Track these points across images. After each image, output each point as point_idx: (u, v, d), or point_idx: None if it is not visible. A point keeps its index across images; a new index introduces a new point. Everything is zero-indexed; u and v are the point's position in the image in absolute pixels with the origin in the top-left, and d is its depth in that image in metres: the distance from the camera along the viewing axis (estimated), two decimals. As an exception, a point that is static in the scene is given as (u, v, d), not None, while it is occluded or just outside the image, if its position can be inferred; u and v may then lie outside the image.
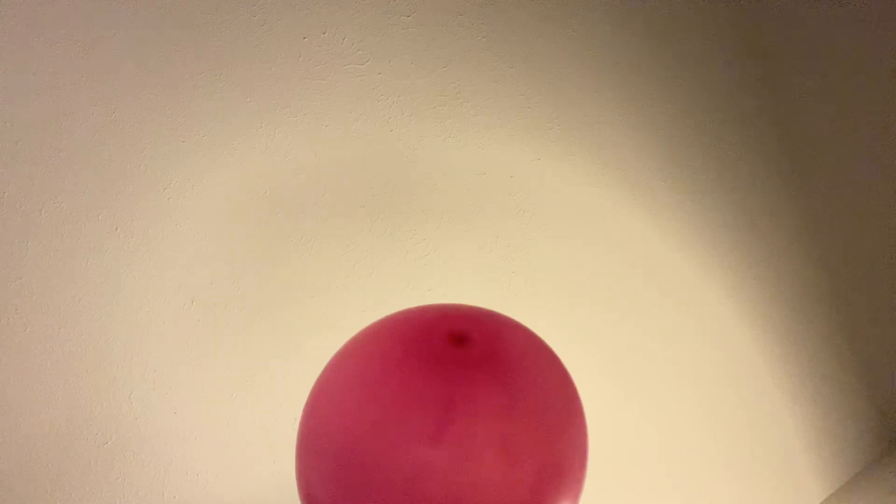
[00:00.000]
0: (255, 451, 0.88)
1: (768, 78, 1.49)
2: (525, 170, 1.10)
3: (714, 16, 1.38)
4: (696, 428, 1.36)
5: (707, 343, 1.38)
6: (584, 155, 1.17)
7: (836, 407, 1.67)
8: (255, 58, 0.86)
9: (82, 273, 0.77)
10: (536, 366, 0.50)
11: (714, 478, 1.39)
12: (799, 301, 1.57)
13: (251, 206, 0.87)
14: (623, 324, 1.25)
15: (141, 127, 0.79)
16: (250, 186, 0.87)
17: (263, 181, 0.87)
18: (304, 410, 0.53)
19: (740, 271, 1.43)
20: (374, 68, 0.95)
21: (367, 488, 0.44)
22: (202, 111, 0.83)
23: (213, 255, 0.84)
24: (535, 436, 0.46)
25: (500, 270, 1.09)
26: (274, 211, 0.88)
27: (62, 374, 0.76)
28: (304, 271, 0.91)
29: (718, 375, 1.40)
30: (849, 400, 1.71)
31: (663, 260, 1.29)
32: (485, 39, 1.05)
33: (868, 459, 1.77)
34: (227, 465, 0.86)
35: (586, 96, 1.17)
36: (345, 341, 0.56)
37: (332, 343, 0.66)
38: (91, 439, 0.78)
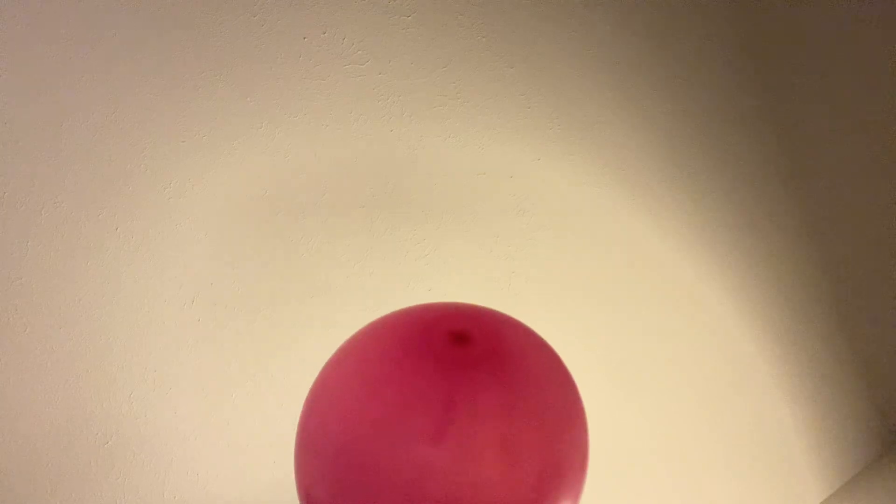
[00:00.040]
0: (256, 450, 0.88)
1: (768, 78, 1.49)
2: (525, 170, 1.10)
3: (714, 16, 1.38)
4: (696, 428, 1.36)
5: (707, 343, 1.38)
6: (584, 155, 1.17)
7: (836, 407, 1.67)
8: (255, 58, 0.86)
9: (82, 273, 0.77)
10: (537, 365, 0.50)
11: (714, 478, 1.39)
12: (799, 301, 1.57)
13: (251, 206, 0.87)
14: (623, 323, 1.24)
15: (141, 127, 0.79)
16: (250, 186, 0.87)
17: (263, 181, 0.87)
18: (303, 410, 0.53)
19: (740, 271, 1.43)
20: (374, 68, 0.95)
21: (366, 488, 0.44)
22: (202, 111, 0.83)
23: (213, 255, 0.84)
24: (535, 436, 0.46)
25: (500, 270, 1.09)
26: (274, 211, 0.88)
27: (62, 374, 0.76)
28: (303, 271, 0.91)
29: (719, 375, 1.40)
30: (849, 400, 1.71)
31: (663, 260, 1.29)
32: (485, 39, 1.05)
33: (868, 459, 1.77)
34: (227, 465, 0.86)
35: (586, 96, 1.17)
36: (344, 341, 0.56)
37: (332, 343, 0.66)
38: (91, 439, 0.78)
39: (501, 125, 1.07)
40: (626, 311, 1.25)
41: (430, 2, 0.99)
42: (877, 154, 1.77)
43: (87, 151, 0.76)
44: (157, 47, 0.80)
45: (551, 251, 1.14)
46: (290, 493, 0.88)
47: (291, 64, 0.88)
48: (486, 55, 1.05)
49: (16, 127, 0.73)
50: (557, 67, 1.13)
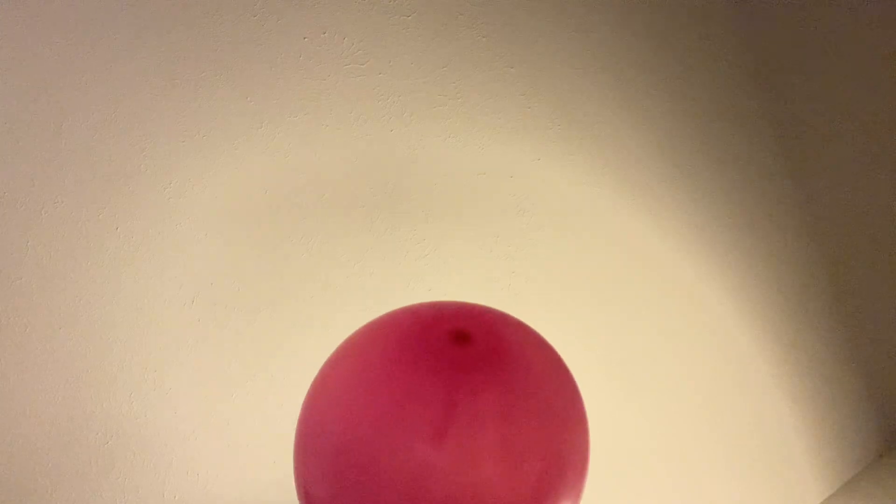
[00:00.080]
0: (256, 450, 0.88)
1: (768, 78, 1.49)
2: (525, 170, 1.10)
3: (714, 16, 1.38)
4: (696, 428, 1.36)
5: (707, 343, 1.38)
6: (584, 155, 1.17)
7: (836, 407, 1.67)
8: (255, 58, 0.86)
9: (82, 273, 0.77)
10: (538, 364, 0.50)
11: (714, 478, 1.39)
12: (799, 300, 1.57)
13: (251, 206, 0.87)
14: (623, 323, 1.25)
15: (141, 127, 0.79)
16: (250, 186, 0.87)
17: (263, 181, 0.87)
18: (302, 409, 0.53)
19: (740, 271, 1.43)
20: (374, 68, 0.95)
21: (366, 488, 0.44)
22: (202, 111, 0.83)
23: (213, 254, 0.84)
24: (536, 436, 0.45)
25: (500, 270, 1.09)
26: (274, 211, 0.88)
27: (62, 374, 0.76)
28: (303, 271, 0.91)
29: (719, 375, 1.40)
30: (849, 400, 1.71)
31: (663, 260, 1.29)
32: (485, 39, 1.05)
33: (868, 459, 1.77)
34: (227, 465, 0.86)
35: (586, 96, 1.17)
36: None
37: (332, 343, 0.66)
38: (91, 439, 0.78)
39: (501, 125, 1.07)
40: (626, 311, 1.25)
41: (430, 2, 0.99)
42: (877, 154, 1.77)
43: (87, 151, 0.76)
44: (158, 47, 0.80)
45: (551, 251, 1.14)
46: (290, 493, 0.88)
47: (291, 64, 0.88)
48: (486, 55, 1.05)
49: (16, 127, 0.73)
50: (557, 67, 1.13)
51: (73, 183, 0.76)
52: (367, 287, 0.95)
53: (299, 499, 0.53)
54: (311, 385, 0.53)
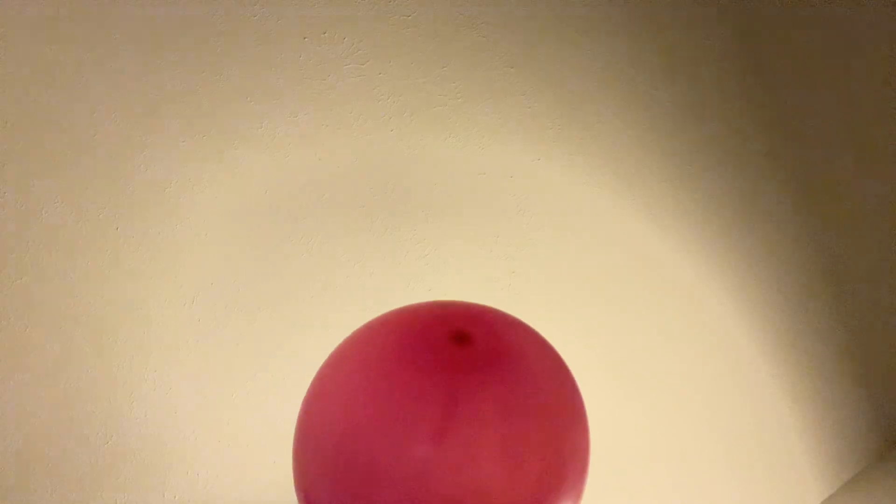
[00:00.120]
0: (256, 450, 0.88)
1: (770, 78, 1.49)
2: (525, 170, 1.10)
3: (715, 15, 1.38)
4: (696, 427, 1.36)
5: (707, 342, 1.38)
6: (584, 155, 1.17)
7: (836, 407, 1.67)
8: (255, 58, 0.86)
9: (82, 273, 0.77)
10: (539, 365, 0.49)
11: (714, 478, 1.39)
12: (799, 300, 1.57)
13: (251, 206, 0.87)
14: (623, 323, 1.24)
15: (141, 126, 0.79)
16: (250, 186, 0.87)
17: (263, 181, 0.87)
18: (301, 409, 0.53)
19: (740, 271, 1.43)
20: (374, 68, 0.95)
21: (366, 489, 0.44)
22: (202, 111, 0.83)
23: (213, 255, 0.84)
24: (538, 437, 0.45)
25: (500, 270, 1.09)
26: (274, 211, 0.88)
27: (62, 374, 0.76)
28: (304, 271, 0.91)
29: (719, 375, 1.40)
30: (849, 400, 1.71)
31: (663, 259, 1.29)
32: (485, 39, 1.05)
33: (868, 459, 1.77)
34: (227, 465, 0.86)
35: (587, 96, 1.17)
36: (345, 341, 0.56)
37: (332, 343, 0.66)
38: (91, 439, 0.78)
39: (501, 125, 1.07)
40: (625, 311, 1.25)
41: (430, 2, 0.99)
42: (878, 153, 1.77)
43: (87, 151, 0.76)
44: (157, 47, 0.80)
45: (551, 251, 1.14)
46: (290, 493, 0.88)
47: (291, 64, 0.88)
48: (486, 55, 1.05)
49: (16, 127, 0.73)
50: (557, 67, 1.13)
51: (73, 183, 0.76)
52: (367, 287, 0.95)
53: (298, 500, 0.53)
54: (311, 385, 0.53)
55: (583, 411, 0.52)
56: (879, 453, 1.81)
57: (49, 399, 0.75)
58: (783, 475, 1.52)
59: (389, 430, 0.44)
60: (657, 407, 1.29)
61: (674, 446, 1.32)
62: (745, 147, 1.45)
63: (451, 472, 0.42)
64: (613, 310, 1.23)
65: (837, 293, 1.67)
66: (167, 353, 0.82)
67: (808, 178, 1.59)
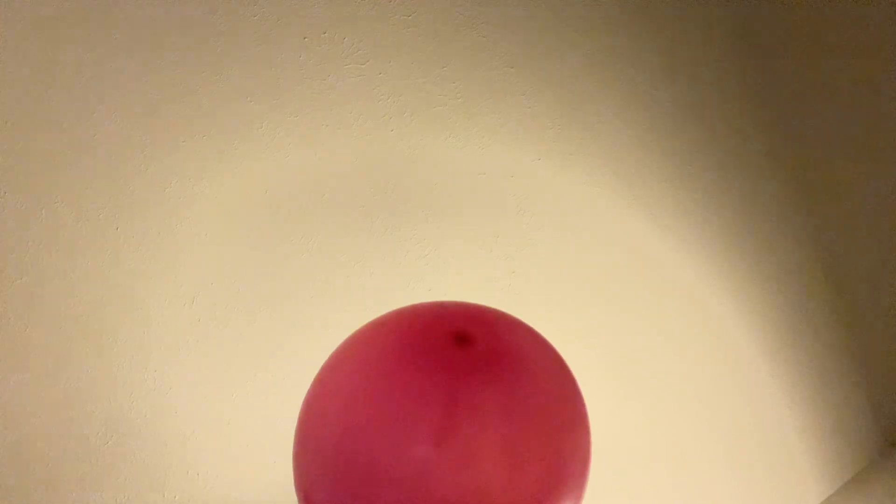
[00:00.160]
0: (256, 450, 0.88)
1: (770, 77, 1.49)
2: (525, 170, 1.10)
3: (717, 14, 1.38)
4: (696, 427, 1.36)
5: (708, 343, 1.38)
6: (584, 155, 1.17)
7: (836, 407, 1.67)
8: (255, 57, 0.86)
9: (82, 273, 0.77)
10: (540, 365, 0.49)
11: (714, 478, 1.39)
12: (799, 300, 1.57)
13: (251, 206, 0.87)
14: (623, 323, 1.24)
15: (141, 127, 0.79)
16: (250, 186, 0.87)
17: (263, 181, 0.87)
18: (301, 410, 0.53)
19: (740, 271, 1.43)
20: (374, 68, 0.95)
21: (366, 490, 0.44)
22: (202, 111, 0.83)
23: (213, 254, 0.84)
24: (539, 438, 0.45)
25: (501, 270, 1.08)
26: (274, 210, 0.88)
27: (62, 374, 0.76)
28: (304, 271, 0.91)
29: (719, 375, 1.40)
30: (849, 400, 1.71)
31: (663, 259, 1.29)
32: (485, 39, 1.05)
33: (868, 459, 1.77)
34: (227, 465, 0.86)
35: (587, 96, 1.17)
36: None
37: (332, 343, 0.66)
38: (91, 439, 0.78)
39: (501, 125, 1.07)
40: (625, 311, 1.25)
41: (430, 2, 0.99)
42: (878, 153, 1.77)
43: (88, 151, 0.76)
44: (157, 47, 0.80)
45: (551, 251, 1.14)
46: (290, 493, 0.88)
47: (291, 64, 0.88)
48: (486, 55, 1.05)
49: (16, 127, 0.73)
50: (557, 67, 1.13)
51: (73, 183, 0.76)
52: (367, 287, 0.95)
53: (299, 501, 0.53)
54: (311, 386, 0.53)
55: (584, 412, 0.52)
56: (879, 453, 1.81)
57: (49, 399, 0.75)
58: (783, 475, 1.52)
59: (390, 431, 0.43)
60: (657, 407, 1.29)
61: (674, 446, 1.32)
62: (745, 147, 1.45)
63: (451, 473, 0.42)
64: (613, 310, 1.23)
65: (837, 293, 1.67)
66: (167, 353, 0.82)
67: (808, 178, 1.59)
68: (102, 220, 0.78)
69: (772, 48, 1.50)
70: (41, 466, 0.75)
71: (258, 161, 0.87)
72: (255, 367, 0.87)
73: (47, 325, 0.75)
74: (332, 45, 0.91)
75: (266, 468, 0.88)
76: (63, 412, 0.76)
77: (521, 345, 0.50)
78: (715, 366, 1.39)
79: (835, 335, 1.67)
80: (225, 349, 0.85)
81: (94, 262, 0.77)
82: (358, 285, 0.95)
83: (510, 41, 1.07)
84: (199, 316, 0.84)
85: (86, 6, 0.75)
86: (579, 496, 0.50)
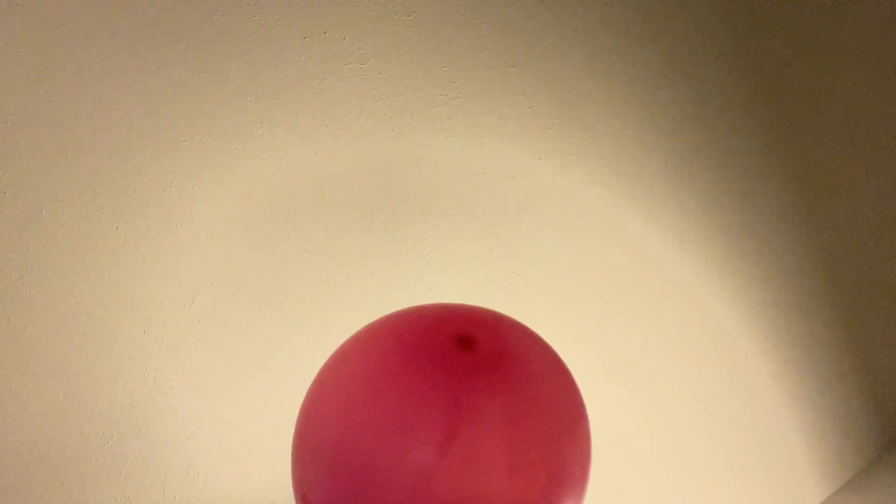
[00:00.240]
0: (256, 450, 0.88)
1: (771, 78, 1.49)
2: (525, 170, 1.10)
3: (716, 15, 1.38)
4: (695, 427, 1.36)
5: (708, 343, 1.38)
6: (584, 155, 1.17)
7: (836, 407, 1.67)
8: (255, 58, 0.86)
9: (82, 273, 0.77)
10: (541, 369, 0.49)
11: (714, 478, 1.39)
12: (799, 300, 1.57)
13: (251, 206, 0.87)
14: (623, 323, 1.24)
15: (141, 126, 0.79)
16: (250, 186, 0.87)
17: (264, 181, 0.87)
18: (300, 413, 0.53)
19: (740, 271, 1.43)
20: (374, 68, 0.95)
21: (365, 493, 0.44)
22: (202, 111, 0.83)
23: (213, 254, 0.84)
24: (541, 441, 0.45)
25: (501, 270, 1.08)
26: (274, 210, 0.88)
27: (62, 374, 0.76)
28: (304, 271, 0.91)
29: (719, 375, 1.40)
30: (849, 400, 1.71)
31: (664, 260, 1.29)
32: (485, 39, 1.05)
33: (868, 459, 1.77)
34: (227, 465, 0.86)
35: (587, 96, 1.17)
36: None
37: (332, 343, 0.66)
38: (91, 439, 0.78)
39: (501, 125, 1.07)
40: (625, 311, 1.25)
41: (430, 2, 0.99)
42: (878, 153, 1.77)
43: (87, 151, 0.76)
44: (157, 47, 0.80)
45: (551, 251, 1.14)
46: (291, 493, 0.88)
47: (291, 64, 0.88)
48: (486, 55, 1.05)
49: (16, 127, 0.73)
50: (558, 67, 1.13)
51: (73, 183, 0.76)
52: (367, 287, 0.95)
53: (297, 503, 0.53)
54: (310, 388, 0.53)
55: (584, 413, 0.52)
56: (879, 453, 1.81)
57: (49, 399, 0.75)
58: (783, 475, 1.52)
59: (390, 433, 0.43)
60: (657, 407, 1.29)
61: (674, 447, 1.32)
62: (745, 147, 1.45)
63: (453, 476, 0.42)
64: (613, 310, 1.23)
65: (837, 293, 1.67)
66: (167, 353, 0.82)
67: (808, 178, 1.59)
68: (102, 220, 0.78)
69: (772, 48, 1.50)
70: (41, 466, 0.75)
71: (258, 161, 0.87)
72: (255, 367, 0.87)
73: (47, 325, 0.75)
74: (332, 45, 0.91)
75: (266, 468, 0.88)
76: (63, 412, 0.76)
77: (522, 347, 0.50)
78: (715, 366, 1.39)
79: (835, 335, 1.67)
80: (225, 349, 0.85)
81: (94, 262, 0.77)
82: (358, 285, 0.95)
83: (510, 41, 1.07)
84: (199, 316, 0.84)
85: (86, 6, 0.75)
86: (580, 498, 0.50)
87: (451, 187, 1.03)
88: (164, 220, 0.81)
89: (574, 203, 1.16)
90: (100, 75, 0.76)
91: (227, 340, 0.86)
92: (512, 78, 1.08)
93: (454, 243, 1.03)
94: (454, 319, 0.50)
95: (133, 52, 0.78)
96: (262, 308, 0.88)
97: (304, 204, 0.90)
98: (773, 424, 1.50)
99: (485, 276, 1.07)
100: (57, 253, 0.75)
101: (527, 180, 1.10)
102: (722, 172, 1.40)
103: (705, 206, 1.36)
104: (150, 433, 0.81)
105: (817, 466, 1.60)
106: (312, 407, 0.51)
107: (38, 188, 0.74)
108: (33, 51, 0.73)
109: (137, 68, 0.79)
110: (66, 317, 0.76)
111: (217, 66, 0.83)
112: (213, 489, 0.85)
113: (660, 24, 1.27)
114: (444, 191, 1.02)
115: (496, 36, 1.06)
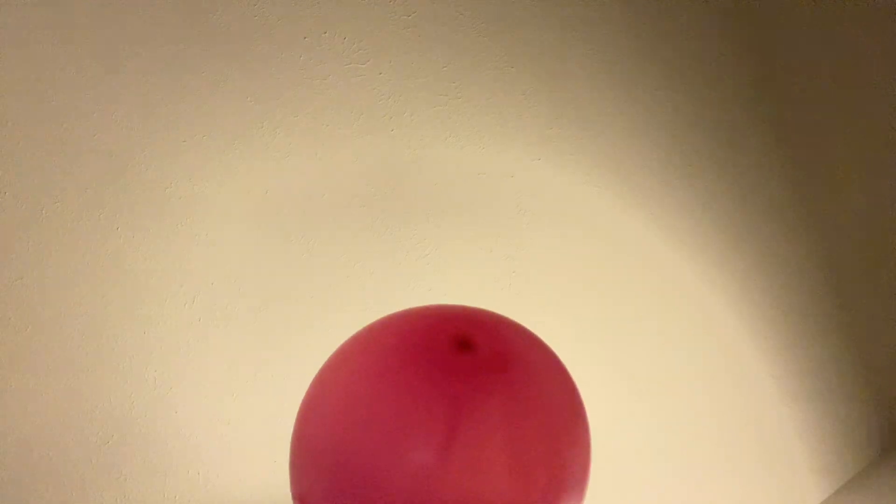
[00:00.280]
0: (256, 450, 0.88)
1: (771, 78, 1.49)
2: (525, 170, 1.10)
3: (718, 19, 1.37)
4: (695, 427, 1.36)
5: (708, 343, 1.38)
6: (584, 155, 1.17)
7: (836, 407, 1.67)
8: (255, 58, 0.86)
9: (82, 273, 0.77)
10: (541, 371, 0.49)
11: (714, 478, 1.39)
12: (799, 301, 1.57)
13: (251, 206, 0.87)
14: (623, 323, 1.24)
15: (141, 127, 0.79)
16: (250, 186, 0.87)
17: (263, 181, 0.87)
18: (298, 415, 0.53)
19: (741, 272, 1.43)
20: (374, 68, 0.95)
21: (364, 495, 0.44)
22: (202, 111, 0.83)
23: (213, 254, 0.84)
24: (541, 442, 0.45)
25: (501, 270, 1.08)
26: (274, 211, 0.88)
27: (62, 374, 0.76)
28: (304, 271, 0.91)
29: (719, 375, 1.40)
30: (849, 400, 1.71)
31: (664, 260, 1.29)
32: (485, 39, 1.05)
33: (868, 459, 1.77)
34: (227, 465, 0.86)
35: (587, 96, 1.17)
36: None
37: (332, 343, 0.66)
38: (91, 439, 0.78)
39: (501, 125, 1.07)
40: (626, 311, 1.24)
41: (430, 2, 0.99)
42: (878, 154, 1.77)
43: (88, 151, 0.76)
44: (157, 47, 0.80)
45: (552, 251, 1.14)
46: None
47: (291, 64, 0.88)
48: (486, 55, 1.05)
49: (16, 127, 0.73)
50: (558, 67, 1.13)
51: (74, 183, 0.76)
52: (367, 287, 0.95)
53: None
54: (308, 390, 0.53)
55: (584, 414, 0.52)
56: (879, 453, 1.81)
57: (49, 399, 0.75)
58: (783, 475, 1.52)
59: (390, 434, 0.43)
60: (657, 407, 1.29)
61: (674, 446, 1.32)
62: (745, 147, 1.45)
63: (453, 479, 0.42)
64: (613, 310, 1.23)
65: (838, 292, 1.67)
66: (167, 353, 0.82)
67: (808, 178, 1.59)
68: (102, 220, 0.78)
69: (772, 48, 1.50)
70: (42, 466, 0.75)
71: (258, 161, 0.87)
72: (255, 367, 0.87)
73: (47, 325, 0.75)
74: (332, 45, 0.91)
75: (266, 468, 0.88)
76: (63, 412, 0.76)
77: (521, 348, 0.50)
78: (715, 366, 1.39)
79: (834, 335, 1.67)
80: (225, 349, 0.85)
81: (94, 261, 0.77)
82: (358, 285, 0.95)
83: (510, 41, 1.07)
84: (199, 316, 0.84)
85: (86, 6, 0.75)
86: (580, 498, 0.50)
87: (451, 187, 1.03)
88: (164, 220, 0.81)
89: (574, 203, 1.16)
90: (100, 75, 0.76)
91: (227, 340, 0.86)
92: (512, 78, 1.08)
93: (454, 243, 1.03)
94: (454, 320, 0.50)
95: (133, 52, 0.78)
96: (261, 308, 0.88)
97: (304, 204, 0.90)
98: (773, 424, 1.50)
99: (485, 276, 1.07)
100: (57, 253, 0.75)
101: (527, 180, 1.10)
102: (722, 172, 1.40)
103: (705, 206, 1.36)
104: (150, 433, 0.81)
105: (817, 466, 1.60)
106: (312, 407, 0.51)
107: (38, 188, 0.74)
108: (34, 51, 0.73)
109: (137, 68, 0.79)
110: (66, 317, 0.76)
111: (217, 66, 0.83)
112: (213, 489, 0.85)
113: (660, 24, 1.27)
114: (444, 191, 1.02)
115: (496, 36, 1.06)
